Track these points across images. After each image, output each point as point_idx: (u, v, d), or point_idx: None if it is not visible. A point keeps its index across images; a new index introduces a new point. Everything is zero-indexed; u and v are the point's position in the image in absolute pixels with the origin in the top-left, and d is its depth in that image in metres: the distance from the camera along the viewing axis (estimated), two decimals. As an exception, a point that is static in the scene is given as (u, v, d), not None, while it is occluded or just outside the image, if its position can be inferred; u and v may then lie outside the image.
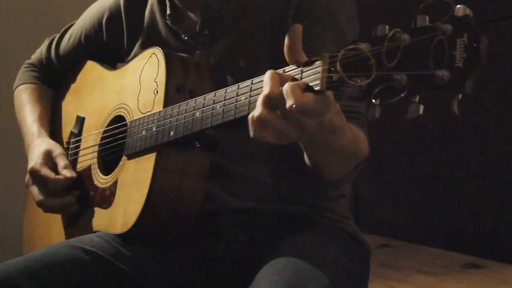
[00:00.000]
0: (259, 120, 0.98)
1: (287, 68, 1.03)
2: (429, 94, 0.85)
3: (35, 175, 1.50)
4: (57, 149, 1.53)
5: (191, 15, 1.40)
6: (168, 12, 1.42)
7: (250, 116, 1.00)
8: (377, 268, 3.13)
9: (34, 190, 1.51)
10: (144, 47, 1.46)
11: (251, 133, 1.00)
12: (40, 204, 1.50)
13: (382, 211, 3.90)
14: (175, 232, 1.32)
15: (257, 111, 0.98)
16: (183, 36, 1.41)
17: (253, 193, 1.35)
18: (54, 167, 1.51)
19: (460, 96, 0.83)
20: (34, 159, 1.51)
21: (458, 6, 0.83)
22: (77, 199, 1.50)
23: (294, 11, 1.31)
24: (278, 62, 1.31)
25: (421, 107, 0.86)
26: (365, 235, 1.45)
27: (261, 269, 1.19)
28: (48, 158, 1.51)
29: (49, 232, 1.61)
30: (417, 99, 0.86)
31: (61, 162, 1.50)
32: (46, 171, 1.49)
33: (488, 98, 2.96)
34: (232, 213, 1.35)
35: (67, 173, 1.47)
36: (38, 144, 1.56)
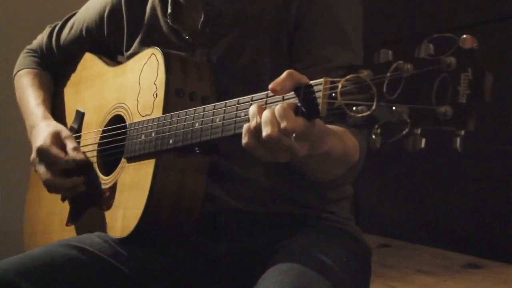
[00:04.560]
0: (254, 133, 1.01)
1: None
2: (431, 129, 0.82)
3: (44, 154, 1.47)
4: (65, 131, 1.52)
5: (193, 13, 1.39)
6: (169, 11, 1.42)
7: (246, 125, 1.02)
8: (378, 268, 3.13)
9: (41, 168, 1.48)
10: (144, 43, 1.45)
11: (244, 141, 1.02)
12: (47, 182, 1.48)
13: (382, 211, 3.90)
14: (174, 235, 1.33)
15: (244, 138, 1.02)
16: (184, 34, 1.41)
17: (252, 195, 1.35)
18: (62, 148, 1.48)
19: (462, 132, 0.81)
20: (42, 138, 1.49)
21: (464, 36, 0.81)
22: (77, 196, 1.50)
23: (295, 10, 1.30)
24: (279, 62, 1.31)
25: (423, 140, 0.84)
26: (366, 235, 1.45)
27: (265, 270, 1.19)
28: (57, 139, 1.49)
29: (49, 229, 1.60)
30: (419, 131, 0.84)
31: (71, 143, 1.48)
32: (56, 151, 1.46)
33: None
34: (232, 214, 1.35)
35: (77, 154, 1.45)
36: (46, 126, 1.53)
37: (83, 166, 1.48)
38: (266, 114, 0.99)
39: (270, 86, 1.00)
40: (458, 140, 0.82)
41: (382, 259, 3.32)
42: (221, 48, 1.36)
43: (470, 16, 3.22)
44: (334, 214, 1.40)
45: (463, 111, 0.80)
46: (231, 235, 1.35)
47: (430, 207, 3.61)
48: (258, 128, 1.00)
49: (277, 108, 0.98)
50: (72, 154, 1.46)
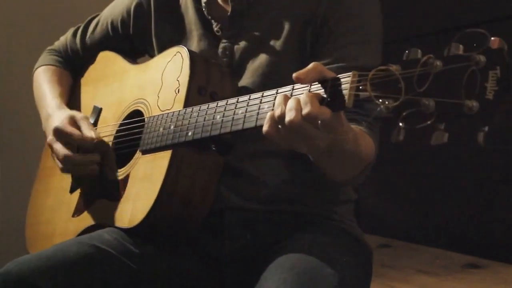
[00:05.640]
0: (279, 117, 1.02)
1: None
2: (456, 123, 0.84)
3: (61, 133, 1.46)
4: (80, 114, 1.51)
5: (223, 5, 1.40)
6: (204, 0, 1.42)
7: (270, 113, 1.04)
8: (378, 268, 3.12)
9: (58, 145, 1.46)
10: (172, 33, 1.46)
11: (265, 128, 1.04)
12: (64, 159, 1.45)
13: (383, 211, 3.90)
14: (181, 231, 1.33)
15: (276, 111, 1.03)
16: (214, 25, 1.41)
17: (259, 194, 1.35)
18: (78, 129, 1.47)
19: (486, 128, 0.83)
20: (59, 120, 1.48)
21: (493, 38, 0.83)
22: (87, 187, 1.49)
23: (324, 9, 1.31)
24: (303, 59, 1.31)
25: (446, 135, 0.86)
26: (366, 235, 1.46)
27: (268, 268, 1.20)
28: (73, 121, 1.48)
29: (53, 219, 1.60)
30: (442, 126, 0.86)
31: (85, 124, 1.47)
32: (71, 129, 1.45)
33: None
34: (236, 211, 1.35)
35: (90, 133, 1.44)
36: (61, 113, 1.52)
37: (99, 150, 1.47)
38: (291, 101, 1.01)
39: (294, 75, 1.02)
40: (482, 135, 0.84)
41: (382, 259, 3.32)
42: (245, 43, 1.37)
43: (470, 16, 3.22)
44: (337, 214, 1.41)
45: (490, 106, 0.82)
46: (235, 233, 1.36)
47: (430, 207, 3.61)
48: (281, 117, 1.02)
49: (302, 95, 1.01)
50: (86, 133, 1.44)
